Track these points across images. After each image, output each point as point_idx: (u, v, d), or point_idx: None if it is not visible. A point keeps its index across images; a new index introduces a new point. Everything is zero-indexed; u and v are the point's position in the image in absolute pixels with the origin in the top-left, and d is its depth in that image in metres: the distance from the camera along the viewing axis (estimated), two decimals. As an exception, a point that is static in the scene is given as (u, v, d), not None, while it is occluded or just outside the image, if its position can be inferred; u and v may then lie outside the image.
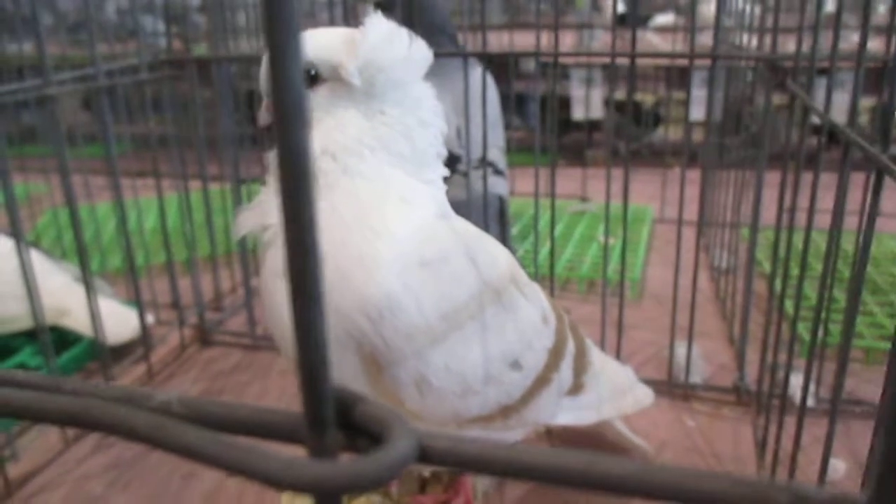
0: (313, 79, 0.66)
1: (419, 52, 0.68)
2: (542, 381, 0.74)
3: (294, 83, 0.17)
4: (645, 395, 0.98)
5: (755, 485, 0.17)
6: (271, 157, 0.71)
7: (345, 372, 0.64)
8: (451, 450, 0.19)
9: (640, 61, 1.13)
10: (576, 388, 0.82)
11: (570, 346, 0.80)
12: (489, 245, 0.72)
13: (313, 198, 0.17)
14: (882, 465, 0.16)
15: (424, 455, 0.19)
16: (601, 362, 0.90)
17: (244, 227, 0.69)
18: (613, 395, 0.90)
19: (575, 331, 0.85)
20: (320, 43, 0.66)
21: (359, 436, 0.19)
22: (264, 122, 0.71)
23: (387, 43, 0.65)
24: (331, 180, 0.65)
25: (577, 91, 2.68)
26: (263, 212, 0.68)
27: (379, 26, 0.65)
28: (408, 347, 0.63)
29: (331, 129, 0.66)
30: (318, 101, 0.66)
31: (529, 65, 3.09)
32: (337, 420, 0.19)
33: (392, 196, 0.66)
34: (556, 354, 0.76)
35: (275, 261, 0.66)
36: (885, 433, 0.15)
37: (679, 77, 2.62)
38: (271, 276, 0.67)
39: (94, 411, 0.20)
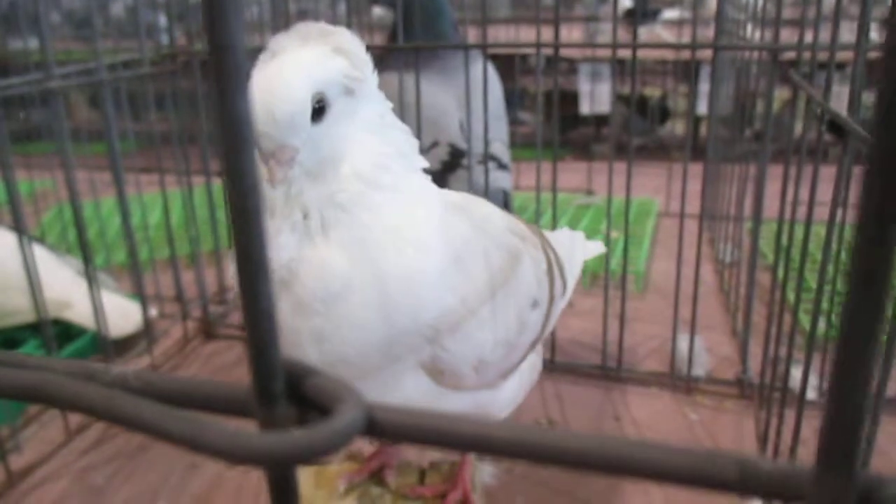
0: (320, 111, 0.59)
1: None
2: (551, 302, 0.80)
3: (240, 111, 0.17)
4: (596, 248, 1.07)
5: (704, 456, 0.17)
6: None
7: (406, 383, 0.65)
8: (400, 422, 0.18)
9: (648, 56, 1.13)
10: (564, 287, 0.88)
11: (552, 257, 0.84)
12: (481, 206, 0.74)
13: (254, 166, 0.17)
14: (826, 433, 0.15)
15: (372, 427, 0.18)
16: (561, 248, 0.91)
17: None
18: (573, 265, 0.96)
19: (542, 236, 0.87)
20: (322, 67, 0.59)
21: (309, 409, 0.19)
22: (280, 182, 0.58)
23: (358, 39, 0.63)
24: (357, 200, 0.61)
25: (584, 85, 2.67)
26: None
27: (338, 28, 0.62)
28: (466, 346, 0.65)
29: (356, 153, 0.62)
30: (330, 130, 0.60)
31: (535, 60, 3.09)
32: (287, 393, 0.19)
33: (414, 202, 0.65)
34: (550, 272, 0.80)
35: (295, 300, 0.60)
36: (827, 402, 0.15)
37: (686, 71, 2.61)
38: (290, 318, 0.61)
39: (49, 386, 0.20)
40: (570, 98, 2.71)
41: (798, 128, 0.98)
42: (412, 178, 0.66)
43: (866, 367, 0.15)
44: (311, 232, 0.60)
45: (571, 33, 2.86)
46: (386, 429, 0.18)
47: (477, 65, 1.20)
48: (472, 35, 2.12)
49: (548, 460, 0.18)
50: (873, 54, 0.83)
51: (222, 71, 0.16)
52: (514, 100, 2.77)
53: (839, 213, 0.77)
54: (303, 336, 0.61)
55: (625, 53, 1.14)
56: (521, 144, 2.44)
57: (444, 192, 0.71)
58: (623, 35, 2.18)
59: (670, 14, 3.33)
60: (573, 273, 0.95)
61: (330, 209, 0.60)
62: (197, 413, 0.19)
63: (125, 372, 0.21)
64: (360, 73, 0.61)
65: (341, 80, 0.60)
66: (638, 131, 2.69)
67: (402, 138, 0.66)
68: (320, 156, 0.60)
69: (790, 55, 1.09)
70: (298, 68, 0.57)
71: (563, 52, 1.17)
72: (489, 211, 0.75)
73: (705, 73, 2.12)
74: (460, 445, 0.18)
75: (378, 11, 1.86)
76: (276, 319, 0.18)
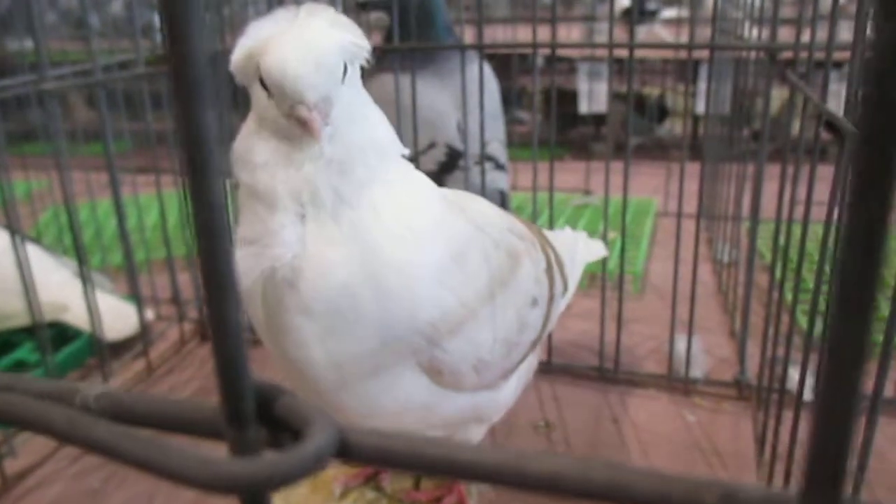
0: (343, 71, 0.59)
1: None
2: (550, 302, 0.80)
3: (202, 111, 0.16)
4: (598, 249, 1.08)
5: (684, 482, 0.16)
6: (242, 168, 0.62)
7: (405, 383, 0.65)
8: (373, 445, 0.18)
9: (646, 55, 1.12)
10: (565, 286, 0.88)
11: (551, 255, 0.83)
12: (480, 206, 0.74)
13: (218, 182, 0.16)
14: (811, 459, 0.15)
15: (344, 450, 0.18)
16: (562, 248, 0.91)
17: (251, 273, 0.61)
18: (574, 265, 0.96)
19: (541, 235, 0.87)
20: (341, 25, 0.59)
21: (281, 431, 0.18)
22: (323, 133, 0.57)
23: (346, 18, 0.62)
24: (365, 180, 0.60)
25: (583, 85, 2.67)
26: (270, 250, 0.60)
27: (326, 6, 0.61)
28: (465, 345, 0.65)
29: (366, 123, 0.62)
30: (347, 94, 0.59)
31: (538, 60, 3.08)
32: (258, 414, 0.18)
33: (415, 197, 0.64)
34: (549, 271, 0.80)
35: (300, 299, 0.60)
36: (812, 429, 0.15)
37: (684, 71, 2.60)
38: (296, 317, 0.60)
39: (12, 407, 0.19)
40: (569, 97, 2.70)
41: (795, 128, 0.97)
42: (400, 167, 0.65)
43: (853, 392, 0.15)
44: (318, 222, 0.59)
45: (570, 33, 2.85)
46: (358, 452, 0.18)
47: (473, 65, 1.20)
48: (469, 35, 2.11)
49: (525, 485, 0.18)
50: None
51: (183, 83, 0.16)
52: (512, 99, 2.77)
53: (835, 212, 0.77)
54: (308, 335, 0.61)
55: (623, 53, 1.13)
56: (519, 144, 2.43)
57: (443, 189, 0.70)
58: (621, 34, 2.17)
59: (669, 13, 3.32)
60: (574, 273, 0.95)
61: (343, 185, 0.59)
62: (163, 436, 0.18)
63: (92, 390, 0.20)
64: (364, 43, 0.61)
65: (352, 49, 0.60)
66: (636, 130, 2.68)
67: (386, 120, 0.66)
68: (346, 115, 0.59)
69: (788, 54, 1.09)
70: (327, 27, 0.58)
71: (562, 51, 1.16)
72: (487, 210, 0.75)
73: (703, 72, 2.12)
74: (433, 469, 0.18)
75: (374, 14, 1.86)
76: (243, 339, 0.18)
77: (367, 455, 0.18)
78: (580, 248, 1.00)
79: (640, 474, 0.17)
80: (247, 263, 0.61)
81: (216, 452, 0.18)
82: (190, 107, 0.16)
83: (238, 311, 0.18)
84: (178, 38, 0.15)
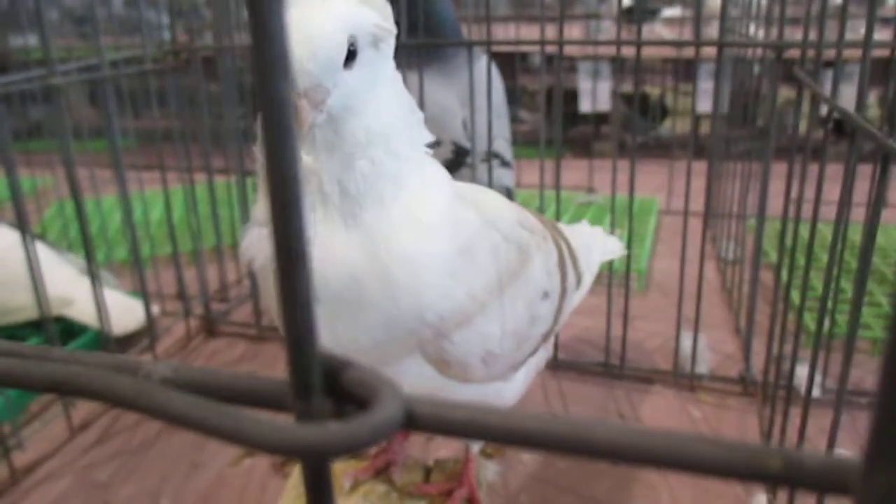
0: (350, 56, 0.56)
1: None
2: (562, 295, 0.79)
3: (280, 81, 0.17)
4: (616, 247, 1.05)
5: (748, 449, 0.17)
6: (261, 153, 0.61)
7: (411, 373, 0.65)
8: (439, 415, 0.18)
9: (648, 54, 1.12)
10: (578, 280, 0.87)
11: (564, 248, 0.83)
12: (492, 199, 0.73)
13: (296, 155, 0.17)
14: (876, 426, 0.15)
15: (411, 420, 0.18)
16: (577, 242, 0.90)
17: (259, 254, 0.62)
18: (590, 260, 0.95)
19: (555, 228, 0.86)
20: (355, 11, 0.57)
21: (346, 402, 0.19)
22: (311, 124, 0.56)
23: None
24: (374, 172, 0.59)
25: (584, 83, 2.67)
26: None
27: None
28: (473, 337, 0.65)
29: (380, 108, 0.60)
30: (356, 78, 0.57)
31: (535, 59, 3.08)
32: (324, 386, 0.19)
33: (427, 187, 0.63)
34: (562, 265, 0.80)
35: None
36: (878, 393, 0.15)
37: (686, 70, 2.61)
38: None
39: (80, 379, 0.20)
40: (570, 96, 2.71)
41: (800, 125, 0.98)
42: (423, 155, 0.65)
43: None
44: (326, 211, 0.59)
45: (571, 31, 2.86)
46: (425, 422, 0.18)
47: (480, 63, 1.20)
48: (475, 33, 2.11)
49: (586, 454, 0.18)
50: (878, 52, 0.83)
51: (264, 57, 0.16)
52: (514, 98, 2.78)
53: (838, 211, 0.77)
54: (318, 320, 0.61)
55: (626, 51, 1.14)
56: (520, 143, 2.44)
57: (455, 182, 0.70)
58: (622, 33, 2.17)
59: (669, 12, 3.33)
60: (590, 267, 0.94)
61: (349, 177, 0.58)
62: (230, 405, 0.19)
63: (156, 364, 0.20)
64: (389, 25, 0.59)
65: (371, 29, 0.58)
66: (639, 129, 2.69)
67: (410, 108, 0.64)
68: (346, 103, 0.57)
69: (792, 53, 1.09)
70: (336, 8, 0.56)
71: (564, 49, 1.17)
72: (499, 203, 0.74)
73: (703, 71, 2.12)
74: (499, 438, 0.18)
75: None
76: (315, 312, 0.18)
77: (433, 425, 0.18)
78: (597, 244, 0.99)
79: (703, 442, 0.17)
80: (257, 244, 0.62)
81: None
82: (270, 80, 0.16)
83: (309, 284, 0.18)
84: (261, 11, 0.16)
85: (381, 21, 0.59)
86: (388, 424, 0.18)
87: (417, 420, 0.18)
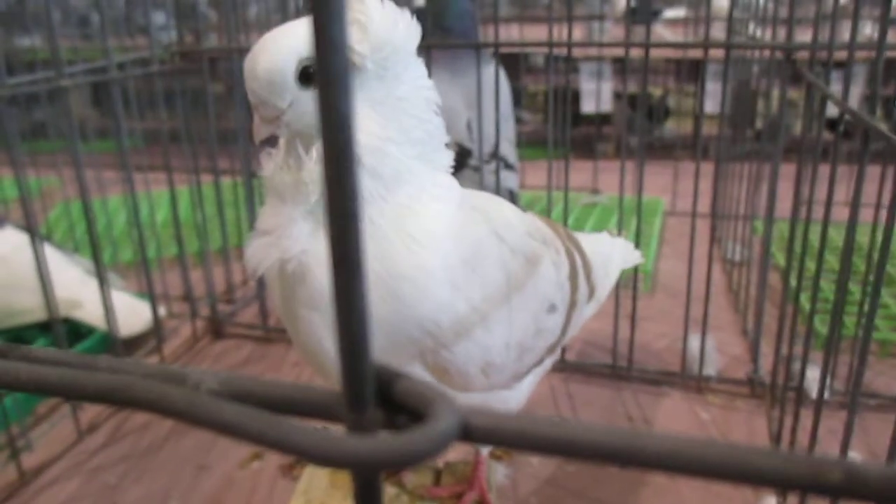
0: (310, 76, 0.58)
1: (414, 25, 0.62)
2: (572, 308, 0.78)
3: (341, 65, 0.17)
4: (635, 256, 1.04)
5: (807, 461, 0.17)
6: (266, 161, 0.64)
7: None
8: (494, 427, 0.18)
9: (652, 55, 1.12)
10: (591, 292, 0.86)
11: (577, 260, 0.81)
12: (501, 209, 0.72)
13: (355, 170, 0.17)
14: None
15: (467, 433, 0.18)
16: (594, 253, 0.89)
17: (263, 262, 0.62)
18: (607, 272, 0.93)
19: (570, 238, 0.85)
20: (355, 23, 0.57)
21: (398, 413, 0.19)
22: (261, 137, 0.62)
23: (393, 18, 0.60)
24: (364, 190, 0.59)
25: (586, 84, 2.67)
26: (281, 242, 0.61)
27: (377, 2, 0.59)
28: (472, 347, 0.64)
29: (371, 130, 0.60)
30: (305, 102, 0.59)
31: (538, 59, 3.08)
32: (376, 397, 0.19)
33: (422, 195, 0.63)
34: (573, 277, 0.79)
35: (309, 293, 0.60)
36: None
37: (688, 71, 2.61)
38: (306, 310, 0.61)
39: (133, 389, 0.20)
40: (572, 97, 2.71)
41: (801, 126, 0.98)
42: (419, 169, 0.63)
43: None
44: (322, 220, 0.60)
45: (574, 32, 2.85)
46: (482, 434, 0.18)
47: (489, 68, 1.20)
48: (481, 34, 2.11)
49: (643, 465, 0.18)
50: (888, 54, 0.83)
51: (327, 75, 0.16)
52: (517, 99, 2.77)
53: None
54: (318, 326, 0.62)
55: (631, 52, 1.14)
56: (522, 144, 2.44)
57: (466, 191, 0.70)
58: (622, 34, 2.17)
59: (671, 13, 3.33)
60: (607, 280, 0.92)
61: None
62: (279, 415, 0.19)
63: (205, 374, 0.20)
64: (363, 48, 0.58)
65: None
66: (643, 130, 2.69)
67: (420, 127, 0.63)
68: (308, 121, 0.59)
69: (799, 54, 1.09)
70: (290, 31, 0.58)
71: (566, 51, 1.17)
72: (508, 212, 0.73)
73: (707, 72, 2.12)
74: (553, 450, 0.18)
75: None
76: (370, 324, 0.18)
77: (489, 437, 0.18)
78: (616, 255, 0.97)
79: (761, 454, 0.17)
80: (260, 252, 0.63)
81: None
82: (332, 94, 0.16)
83: (365, 295, 0.18)
84: (323, 31, 0.16)
85: (352, 43, 0.57)
86: (444, 437, 0.18)
87: (473, 432, 0.18)
